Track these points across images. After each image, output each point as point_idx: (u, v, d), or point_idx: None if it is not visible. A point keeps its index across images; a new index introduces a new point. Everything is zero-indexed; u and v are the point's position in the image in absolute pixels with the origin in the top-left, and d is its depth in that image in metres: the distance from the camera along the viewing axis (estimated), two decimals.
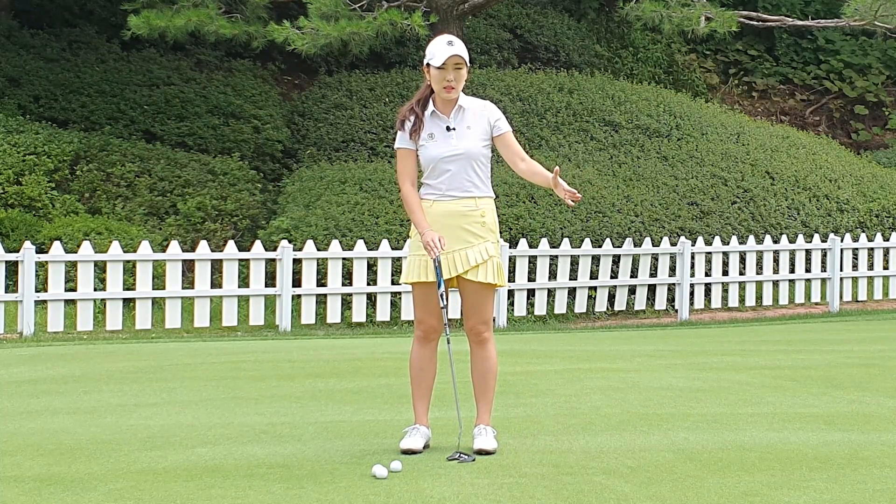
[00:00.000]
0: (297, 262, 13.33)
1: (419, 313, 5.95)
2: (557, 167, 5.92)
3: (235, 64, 19.24)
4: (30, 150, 15.31)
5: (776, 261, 16.35)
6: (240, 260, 13.27)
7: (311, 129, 18.18)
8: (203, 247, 13.07)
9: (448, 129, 5.91)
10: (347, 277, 13.62)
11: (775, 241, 16.47)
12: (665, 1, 16.98)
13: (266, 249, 13.57)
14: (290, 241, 13.58)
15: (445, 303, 5.86)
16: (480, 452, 5.84)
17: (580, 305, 14.82)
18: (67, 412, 7.08)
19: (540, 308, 14.51)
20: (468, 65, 5.92)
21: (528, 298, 14.55)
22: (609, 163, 17.42)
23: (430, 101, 5.96)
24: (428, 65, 5.92)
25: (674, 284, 15.36)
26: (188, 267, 13.65)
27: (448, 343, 5.93)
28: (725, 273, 15.87)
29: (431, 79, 5.92)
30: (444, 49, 5.85)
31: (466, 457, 5.72)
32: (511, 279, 14.22)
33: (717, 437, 6.38)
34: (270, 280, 13.62)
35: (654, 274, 15.35)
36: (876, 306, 16.66)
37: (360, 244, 13.55)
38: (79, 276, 12.39)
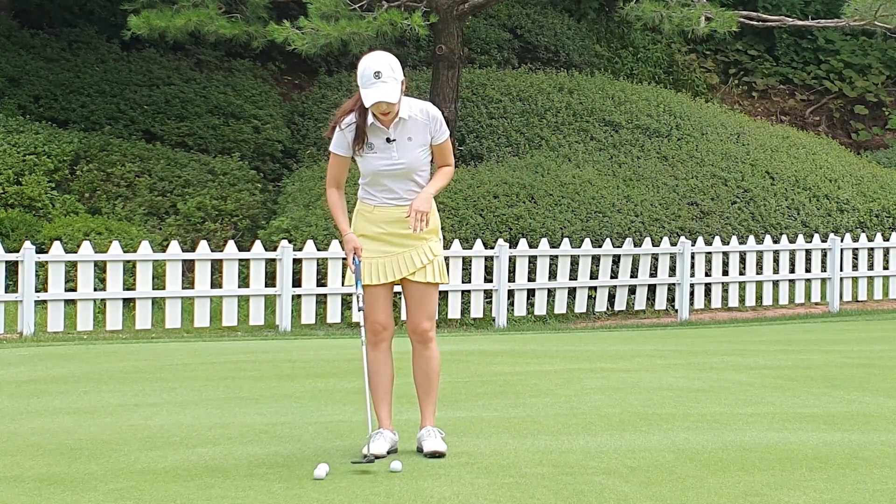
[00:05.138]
0: (297, 262, 13.32)
1: (368, 313, 5.87)
2: (413, 213, 5.74)
3: (235, 64, 19.23)
4: (30, 150, 15.31)
5: (776, 261, 16.35)
6: (240, 260, 13.26)
7: (311, 129, 18.18)
8: (203, 247, 13.07)
9: (388, 140, 5.78)
10: None
11: (775, 241, 16.47)
12: (665, 1, 16.96)
13: (266, 249, 13.56)
14: (290, 241, 13.57)
15: (361, 304, 5.80)
16: (433, 455, 5.75)
17: (580, 305, 14.82)
18: (67, 412, 7.08)
19: (540, 308, 14.51)
20: (398, 99, 5.66)
21: (528, 298, 14.55)
22: (609, 163, 17.42)
23: (370, 112, 5.76)
24: None
25: (674, 284, 15.36)
26: (188, 267, 13.64)
27: (362, 339, 5.85)
28: (725, 273, 15.86)
29: None
30: (368, 90, 5.62)
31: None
32: (511, 279, 14.23)
33: (717, 437, 6.39)
34: (270, 280, 13.62)
35: (654, 274, 15.35)
36: (876, 306, 16.66)
37: None
38: (79, 276, 12.38)
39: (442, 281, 5.92)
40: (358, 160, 5.85)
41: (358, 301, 5.81)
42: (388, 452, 5.78)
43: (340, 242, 13.59)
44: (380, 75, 5.63)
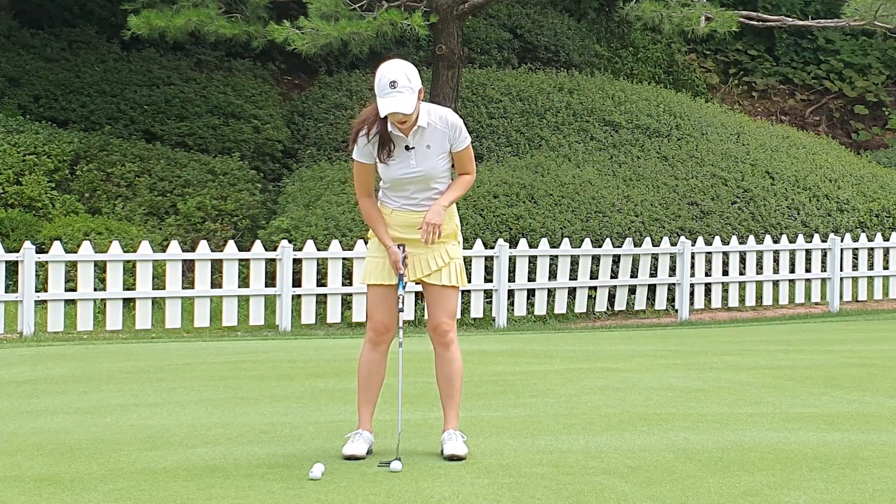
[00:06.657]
0: (297, 262, 13.32)
1: (374, 313, 5.89)
2: (424, 226, 5.76)
3: (235, 64, 19.24)
4: (30, 150, 15.31)
5: (776, 261, 16.35)
6: (240, 260, 13.26)
7: (311, 129, 18.18)
8: (203, 247, 13.07)
9: (407, 147, 5.76)
10: (347, 277, 13.61)
11: (775, 241, 16.47)
12: (665, 1, 16.96)
13: (266, 249, 13.56)
14: (290, 241, 13.58)
15: (402, 306, 5.83)
16: (451, 458, 5.74)
17: (580, 305, 14.82)
18: (67, 412, 7.08)
19: (540, 308, 14.50)
20: (413, 109, 5.60)
21: (528, 298, 14.55)
22: (609, 163, 17.42)
23: (388, 121, 5.73)
24: None
25: (674, 284, 15.36)
26: (188, 267, 13.64)
27: (400, 340, 5.86)
28: (725, 273, 15.87)
29: None
30: (384, 100, 5.59)
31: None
32: (511, 279, 14.22)
33: (717, 437, 6.39)
34: (270, 280, 13.62)
35: (654, 274, 15.34)
36: (876, 306, 16.66)
37: (360, 244, 13.55)
38: (79, 276, 12.38)
39: (461, 284, 5.90)
40: (379, 167, 5.83)
41: (399, 302, 5.81)
42: (367, 453, 5.81)
43: (342, 242, 13.63)
44: (395, 85, 5.59)
